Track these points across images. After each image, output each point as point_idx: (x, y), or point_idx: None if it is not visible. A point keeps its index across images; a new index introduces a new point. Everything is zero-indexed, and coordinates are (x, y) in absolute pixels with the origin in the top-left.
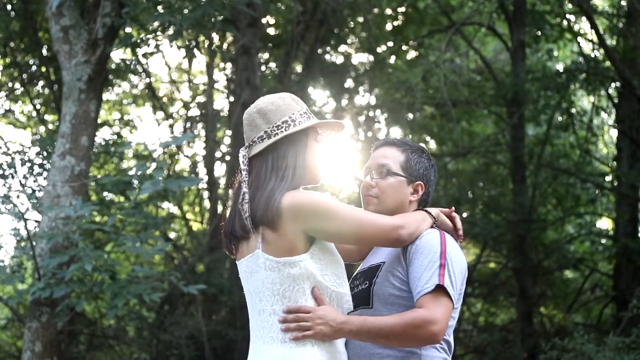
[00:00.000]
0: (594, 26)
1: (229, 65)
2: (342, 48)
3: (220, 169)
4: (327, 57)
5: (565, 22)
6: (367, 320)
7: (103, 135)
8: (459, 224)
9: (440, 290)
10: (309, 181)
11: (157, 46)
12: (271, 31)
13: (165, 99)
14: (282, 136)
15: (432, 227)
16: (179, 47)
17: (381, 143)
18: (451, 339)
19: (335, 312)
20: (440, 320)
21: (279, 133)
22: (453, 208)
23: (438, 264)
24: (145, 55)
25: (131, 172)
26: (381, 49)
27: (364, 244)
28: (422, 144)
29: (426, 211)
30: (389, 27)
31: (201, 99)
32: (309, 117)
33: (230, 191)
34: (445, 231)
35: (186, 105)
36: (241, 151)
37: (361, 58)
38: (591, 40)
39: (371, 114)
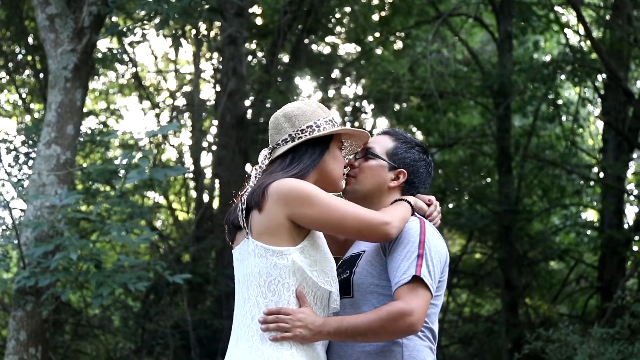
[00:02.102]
0: (580, 18)
1: (215, 55)
2: (329, 38)
3: (206, 159)
4: (314, 47)
5: (552, 14)
6: (344, 321)
7: (89, 124)
8: (432, 211)
9: (417, 281)
10: (325, 187)
11: (143, 35)
12: (258, 21)
13: (151, 89)
14: (305, 139)
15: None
16: (165, 37)
17: (379, 132)
18: (435, 327)
19: (314, 315)
20: (416, 311)
21: (302, 137)
22: (433, 197)
23: (416, 254)
24: (131, 44)
25: (117, 162)
26: (368, 39)
27: (348, 236)
28: (421, 142)
29: (405, 200)
30: (376, 17)
31: (187, 88)
32: (334, 125)
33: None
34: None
35: (172, 95)
36: (263, 151)
37: (348, 48)
38: (578, 32)
39: (358, 104)
